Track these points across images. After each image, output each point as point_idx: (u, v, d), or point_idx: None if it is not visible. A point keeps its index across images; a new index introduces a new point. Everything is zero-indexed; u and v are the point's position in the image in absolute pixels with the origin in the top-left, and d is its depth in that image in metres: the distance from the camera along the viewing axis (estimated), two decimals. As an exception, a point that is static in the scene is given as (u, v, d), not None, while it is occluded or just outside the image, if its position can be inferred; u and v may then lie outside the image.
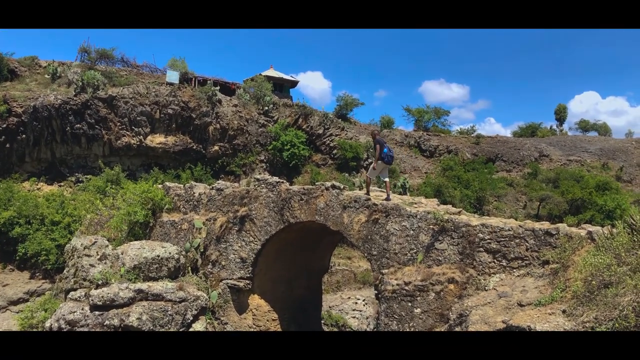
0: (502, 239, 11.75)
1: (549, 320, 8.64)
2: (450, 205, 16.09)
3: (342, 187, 14.12)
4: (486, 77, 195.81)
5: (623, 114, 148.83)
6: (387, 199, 13.92)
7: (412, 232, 12.70)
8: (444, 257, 12.23)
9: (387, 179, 14.90)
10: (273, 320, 15.73)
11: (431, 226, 12.55)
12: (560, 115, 69.38)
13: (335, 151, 41.93)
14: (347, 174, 40.04)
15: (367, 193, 14.35)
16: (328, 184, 14.28)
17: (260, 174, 37.25)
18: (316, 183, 14.63)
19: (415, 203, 14.16)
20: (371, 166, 14.93)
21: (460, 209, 13.89)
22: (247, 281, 15.40)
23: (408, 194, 35.70)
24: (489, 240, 11.85)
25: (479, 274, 11.80)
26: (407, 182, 36.01)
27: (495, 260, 11.75)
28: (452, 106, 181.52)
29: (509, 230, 11.75)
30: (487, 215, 37.69)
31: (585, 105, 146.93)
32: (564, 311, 8.88)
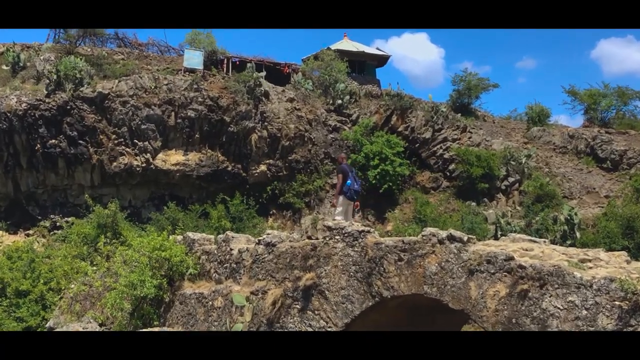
0: None
1: None
2: (649, 262, 15.59)
3: (465, 238, 14.03)
4: None
5: None
6: None
7: (584, 312, 12.42)
8: (641, 352, 11.90)
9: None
10: None
11: (616, 302, 12.22)
12: None
13: (452, 166, 41.79)
14: (473, 203, 39.73)
15: None
16: (443, 233, 14.23)
17: (330, 212, 37.62)
18: (423, 232, 14.64)
19: (590, 261, 13.83)
20: (334, 203, 18.92)
21: (666, 270, 13.47)
22: (319, 391, 15.61)
23: (578, 233, 34.82)
24: None
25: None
26: (576, 214, 35.15)
27: None
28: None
29: None
30: None
31: None
32: None
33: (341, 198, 19.12)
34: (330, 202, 19.87)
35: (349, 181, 18.95)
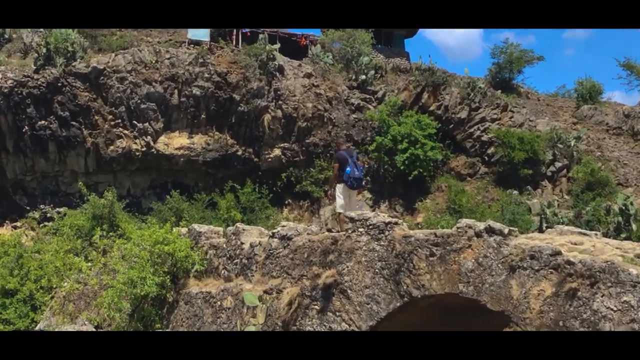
0: None
1: None
2: None
3: (505, 230, 13.98)
4: None
5: None
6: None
7: (641, 313, 12.38)
8: None
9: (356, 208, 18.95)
10: None
11: (678, 303, 12.18)
12: None
13: (491, 149, 41.63)
14: (515, 192, 39.61)
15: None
16: (480, 225, 14.17)
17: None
18: (458, 224, 14.60)
19: (647, 256, 13.79)
20: (336, 194, 19.09)
21: None
22: (339, 402, 15.65)
23: (634, 225, 34.64)
24: None
25: None
26: (632, 203, 34.94)
27: None
28: None
29: None
30: None
31: None
32: None
33: (341, 187, 19.44)
34: (326, 195, 20.41)
35: (348, 169, 19.20)
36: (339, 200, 19.17)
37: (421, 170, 39.32)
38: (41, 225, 35.11)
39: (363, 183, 20.14)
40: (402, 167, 39.13)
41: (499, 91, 46.58)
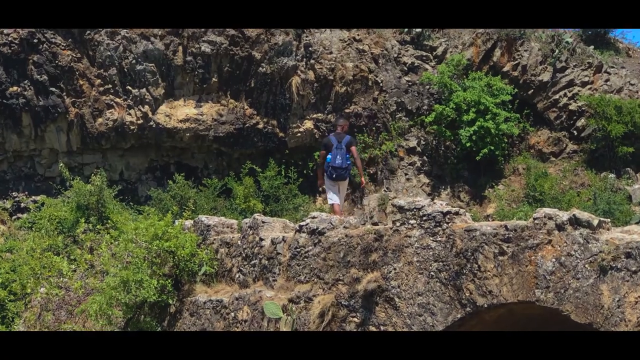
0: None
1: None
2: None
3: (594, 222, 13.95)
4: None
5: None
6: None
7: None
8: None
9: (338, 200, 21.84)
10: None
11: None
12: None
13: (582, 122, 41.42)
14: (611, 175, 39.42)
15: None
16: (562, 215, 14.13)
17: (406, 188, 37.48)
18: (536, 214, 14.62)
19: None
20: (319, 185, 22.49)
21: None
22: None
23: None
24: None
25: None
26: None
27: None
28: None
29: None
30: None
31: None
32: None
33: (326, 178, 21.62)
34: (318, 183, 23.92)
35: (329, 156, 21.35)
36: (328, 193, 22.03)
37: (492, 147, 39.11)
38: (13, 217, 35.45)
39: (346, 173, 21.92)
40: (468, 144, 38.93)
41: (591, 47, 46.05)
